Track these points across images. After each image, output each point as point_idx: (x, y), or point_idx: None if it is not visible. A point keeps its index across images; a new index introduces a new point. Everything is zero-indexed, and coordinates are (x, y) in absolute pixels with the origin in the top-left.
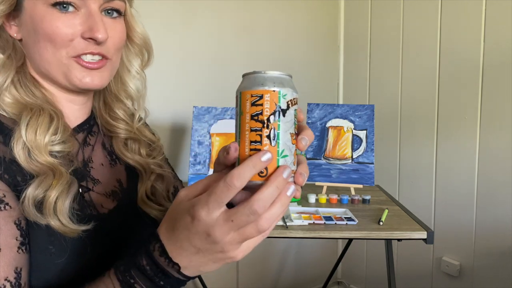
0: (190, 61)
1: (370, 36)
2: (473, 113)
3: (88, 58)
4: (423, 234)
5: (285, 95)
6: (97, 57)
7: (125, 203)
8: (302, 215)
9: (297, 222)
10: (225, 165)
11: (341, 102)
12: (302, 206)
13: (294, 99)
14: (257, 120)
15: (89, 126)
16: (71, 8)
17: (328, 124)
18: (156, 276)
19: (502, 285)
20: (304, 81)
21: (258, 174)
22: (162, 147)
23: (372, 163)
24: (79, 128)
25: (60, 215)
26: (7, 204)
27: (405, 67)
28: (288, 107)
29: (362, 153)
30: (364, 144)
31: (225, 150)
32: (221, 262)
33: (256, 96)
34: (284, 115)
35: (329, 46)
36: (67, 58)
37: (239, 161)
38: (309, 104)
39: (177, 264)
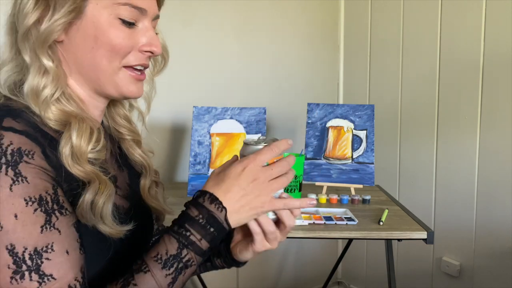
0: (190, 61)
1: (370, 36)
2: (473, 113)
3: (138, 68)
4: (423, 234)
5: None
6: (140, 67)
7: (134, 203)
8: (302, 215)
9: (297, 222)
10: None
11: (341, 102)
12: None
13: None
14: None
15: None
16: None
17: (328, 124)
18: (208, 222)
19: (502, 285)
20: (304, 81)
21: None
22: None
23: (372, 163)
24: None
25: (106, 219)
26: (66, 209)
27: (405, 67)
28: None
29: (362, 153)
30: (364, 144)
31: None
32: (255, 210)
33: None
34: None
35: (329, 46)
36: (120, 68)
37: None
38: (309, 104)
39: (225, 208)
